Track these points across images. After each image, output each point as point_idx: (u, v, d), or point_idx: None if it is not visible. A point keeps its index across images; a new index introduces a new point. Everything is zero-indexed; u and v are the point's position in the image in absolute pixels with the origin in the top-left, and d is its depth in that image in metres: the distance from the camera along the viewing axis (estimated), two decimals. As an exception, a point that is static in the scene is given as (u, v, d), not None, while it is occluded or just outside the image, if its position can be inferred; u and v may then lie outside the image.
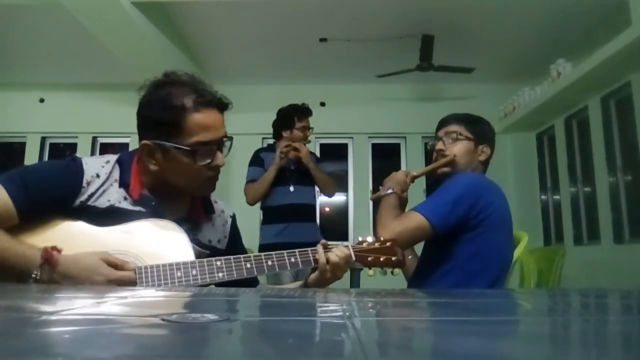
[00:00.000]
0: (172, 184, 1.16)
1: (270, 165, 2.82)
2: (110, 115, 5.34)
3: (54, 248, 0.99)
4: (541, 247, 5.00)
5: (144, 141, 1.12)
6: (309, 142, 2.97)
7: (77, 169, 1.10)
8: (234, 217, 1.35)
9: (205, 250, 1.21)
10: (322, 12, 4.10)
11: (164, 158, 1.12)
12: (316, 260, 1.13)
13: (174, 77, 1.15)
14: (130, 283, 1.01)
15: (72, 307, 0.64)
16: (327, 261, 1.12)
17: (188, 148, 1.09)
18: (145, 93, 1.14)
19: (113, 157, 1.19)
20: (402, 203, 1.59)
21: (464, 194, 1.48)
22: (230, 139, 1.17)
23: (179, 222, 1.17)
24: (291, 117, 2.89)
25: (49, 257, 0.98)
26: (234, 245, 1.32)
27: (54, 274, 0.98)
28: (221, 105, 1.14)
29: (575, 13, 3.99)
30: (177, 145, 1.09)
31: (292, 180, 2.84)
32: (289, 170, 2.84)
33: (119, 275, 1.01)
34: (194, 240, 1.18)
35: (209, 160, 1.12)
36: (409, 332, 0.53)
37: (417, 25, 4.21)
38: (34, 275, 0.97)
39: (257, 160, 2.90)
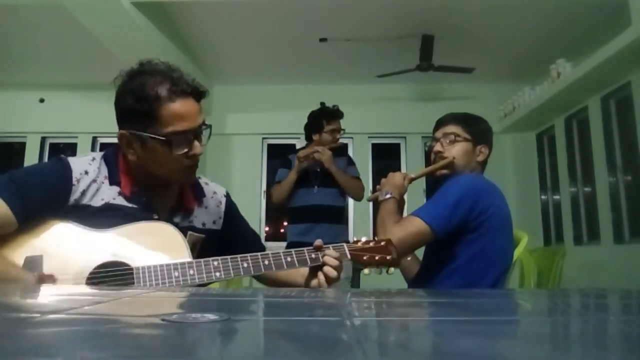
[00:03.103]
0: (152, 173, 1.15)
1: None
2: (110, 115, 5.19)
3: (49, 276, 0.97)
4: (541, 247, 5.00)
5: (121, 131, 1.13)
6: (339, 145, 3.00)
7: (65, 168, 1.10)
8: (228, 196, 1.33)
9: (200, 234, 1.21)
10: (322, 12, 4.10)
11: (142, 148, 1.11)
12: (312, 260, 1.13)
13: (149, 66, 1.13)
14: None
15: (72, 307, 0.64)
16: (323, 265, 1.12)
17: (163, 138, 1.08)
18: (120, 83, 1.13)
19: (98, 155, 1.19)
20: (400, 206, 1.59)
21: (464, 197, 1.47)
22: (209, 126, 1.16)
23: (172, 212, 1.17)
24: (320, 120, 2.95)
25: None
26: (232, 222, 1.31)
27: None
28: (197, 94, 1.13)
29: (575, 13, 3.99)
30: (152, 135, 1.08)
31: (317, 182, 2.92)
32: (314, 173, 2.91)
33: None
34: (189, 227, 1.18)
35: (185, 150, 1.10)
36: (409, 332, 0.53)
37: (417, 25, 4.21)
38: None
39: (286, 162, 3.00)
